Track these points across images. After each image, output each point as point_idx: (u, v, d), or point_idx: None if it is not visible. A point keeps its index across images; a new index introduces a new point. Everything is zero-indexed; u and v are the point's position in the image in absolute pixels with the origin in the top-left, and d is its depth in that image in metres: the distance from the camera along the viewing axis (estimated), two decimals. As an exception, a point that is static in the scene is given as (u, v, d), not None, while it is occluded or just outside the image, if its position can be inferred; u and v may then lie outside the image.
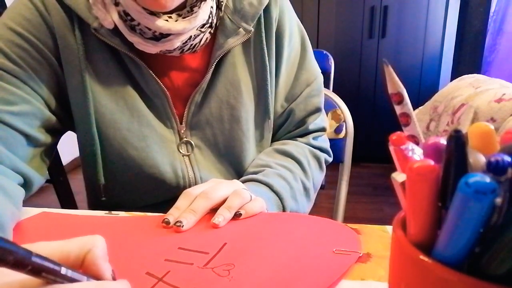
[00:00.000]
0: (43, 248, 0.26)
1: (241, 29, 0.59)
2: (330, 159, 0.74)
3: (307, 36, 0.69)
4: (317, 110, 0.69)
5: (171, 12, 0.53)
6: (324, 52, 1.20)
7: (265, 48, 0.62)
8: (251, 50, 0.62)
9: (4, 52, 0.52)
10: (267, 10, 0.61)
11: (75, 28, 0.54)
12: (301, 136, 0.70)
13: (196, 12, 0.53)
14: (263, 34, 0.61)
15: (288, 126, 0.69)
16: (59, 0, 0.54)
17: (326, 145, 0.73)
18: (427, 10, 2.62)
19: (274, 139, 0.70)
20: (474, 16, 2.74)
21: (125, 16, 0.52)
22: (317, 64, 0.71)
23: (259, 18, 0.61)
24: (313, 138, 0.70)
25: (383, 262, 0.39)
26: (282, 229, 0.45)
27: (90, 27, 0.53)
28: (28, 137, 0.54)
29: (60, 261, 0.25)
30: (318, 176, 0.69)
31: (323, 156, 0.70)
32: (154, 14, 0.52)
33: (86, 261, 0.27)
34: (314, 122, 0.69)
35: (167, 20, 0.52)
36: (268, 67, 0.62)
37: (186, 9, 0.54)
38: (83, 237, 0.28)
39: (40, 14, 0.54)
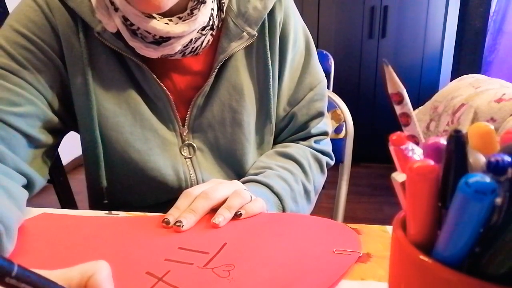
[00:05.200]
0: (46, 276, 0.26)
1: (244, 33, 0.59)
2: (332, 162, 0.73)
3: (312, 40, 0.68)
4: (320, 114, 0.69)
5: (171, 15, 0.52)
6: (324, 52, 1.20)
7: (269, 52, 0.61)
8: (254, 55, 0.62)
9: (9, 53, 0.52)
10: (271, 14, 0.61)
11: (79, 31, 0.54)
12: (303, 139, 0.70)
13: (195, 15, 0.53)
14: (267, 39, 0.61)
15: (290, 130, 0.69)
16: (64, 2, 0.54)
17: (328, 148, 0.72)
18: (427, 10, 2.62)
19: (276, 142, 0.70)
20: (474, 16, 2.74)
21: (125, 21, 0.52)
22: (322, 68, 0.70)
23: (263, 22, 0.60)
24: (315, 142, 0.69)
25: (383, 262, 0.39)
26: (282, 229, 0.45)
27: (94, 31, 0.53)
28: (29, 138, 0.54)
29: None
30: (319, 179, 0.69)
31: (324, 159, 0.70)
32: (153, 17, 0.52)
33: (88, 286, 0.26)
34: (317, 126, 0.69)
35: (167, 23, 0.52)
36: (271, 72, 0.62)
37: (186, 11, 0.54)
38: (86, 263, 0.28)
39: (45, 16, 0.54)
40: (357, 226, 0.46)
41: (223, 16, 0.59)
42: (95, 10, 0.53)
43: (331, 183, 0.92)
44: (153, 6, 0.48)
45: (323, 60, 1.21)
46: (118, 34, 0.54)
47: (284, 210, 0.57)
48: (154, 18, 0.52)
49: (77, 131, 0.62)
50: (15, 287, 0.21)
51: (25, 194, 0.51)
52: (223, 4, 0.58)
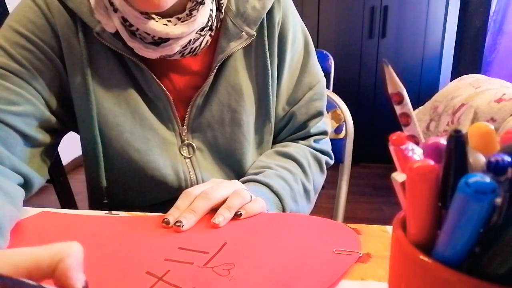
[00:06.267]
0: (14, 255, 0.25)
1: (243, 33, 0.59)
2: (332, 162, 0.73)
3: (311, 39, 0.68)
4: (319, 114, 0.69)
5: (170, 16, 0.53)
6: (324, 52, 1.20)
7: (267, 52, 0.61)
8: (252, 54, 0.62)
9: (9, 53, 0.53)
10: (270, 13, 0.61)
11: (78, 31, 0.54)
12: (303, 138, 0.70)
13: (194, 16, 0.53)
14: (266, 38, 0.61)
15: (289, 129, 0.69)
16: (63, 3, 0.54)
17: (328, 148, 0.73)
18: (427, 10, 2.62)
19: (275, 141, 0.70)
20: (474, 16, 2.74)
21: (124, 22, 0.52)
22: (320, 68, 0.70)
23: (262, 22, 0.60)
24: (315, 141, 0.69)
25: (383, 262, 0.39)
26: (282, 229, 0.45)
27: (93, 31, 0.53)
28: (27, 137, 0.54)
29: (31, 269, 0.24)
30: (318, 178, 0.69)
31: (324, 158, 0.70)
32: (152, 18, 0.52)
33: (57, 271, 0.25)
34: (316, 126, 0.69)
35: (166, 24, 0.52)
36: (269, 72, 0.62)
37: (185, 12, 0.54)
38: (58, 244, 0.27)
39: (44, 16, 0.54)
40: (357, 226, 0.46)
41: (221, 16, 0.59)
42: (94, 10, 0.53)
43: (331, 183, 0.93)
44: (153, 5, 0.49)
45: (323, 60, 1.21)
46: (117, 34, 0.54)
47: (284, 210, 0.57)
48: (153, 19, 0.52)
49: (76, 131, 0.62)
50: None
51: (21, 192, 0.51)
52: (222, 5, 0.58)
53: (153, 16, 0.52)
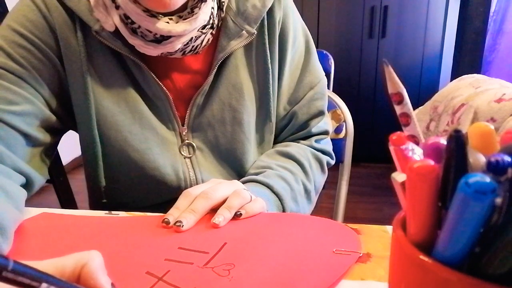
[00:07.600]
0: (38, 263, 0.26)
1: (244, 31, 0.59)
2: (333, 162, 0.73)
3: (311, 38, 0.68)
4: (320, 113, 0.69)
5: (172, 13, 0.52)
6: (324, 52, 1.20)
7: (268, 50, 0.61)
8: (253, 53, 0.62)
9: (7, 52, 0.52)
10: (270, 12, 0.61)
11: (77, 30, 0.54)
12: (304, 138, 0.70)
13: (196, 13, 0.53)
14: (266, 37, 0.61)
15: (290, 129, 0.69)
16: (61, 2, 0.54)
17: (329, 147, 0.72)
18: (427, 10, 2.62)
19: (276, 141, 0.70)
20: (474, 16, 2.73)
21: (125, 19, 0.52)
22: (321, 67, 0.70)
23: (262, 21, 0.60)
24: (316, 141, 0.69)
25: (383, 262, 0.39)
26: (282, 229, 0.45)
27: (91, 30, 0.53)
28: (27, 137, 0.54)
29: (56, 276, 0.24)
30: (319, 179, 0.69)
31: (325, 158, 0.70)
32: (155, 16, 0.52)
33: (82, 275, 0.26)
34: (317, 125, 0.69)
35: (167, 22, 0.52)
36: (270, 70, 0.62)
37: (187, 10, 0.54)
38: (79, 253, 0.28)
39: (42, 15, 0.54)
40: (357, 226, 0.46)
41: (223, 15, 0.59)
42: (93, 9, 0.53)
43: (331, 183, 0.92)
44: (163, 4, 0.49)
45: (323, 60, 1.21)
46: (116, 33, 0.54)
47: (284, 210, 0.57)
48: (155, 17, 0.52)
49: (76, 130, 0.62)
50: (12, 280, 0.21)
51: (23, 193, 0.51)
52: (223, 3, 0.58)
53: (155, 14, 0.52)
